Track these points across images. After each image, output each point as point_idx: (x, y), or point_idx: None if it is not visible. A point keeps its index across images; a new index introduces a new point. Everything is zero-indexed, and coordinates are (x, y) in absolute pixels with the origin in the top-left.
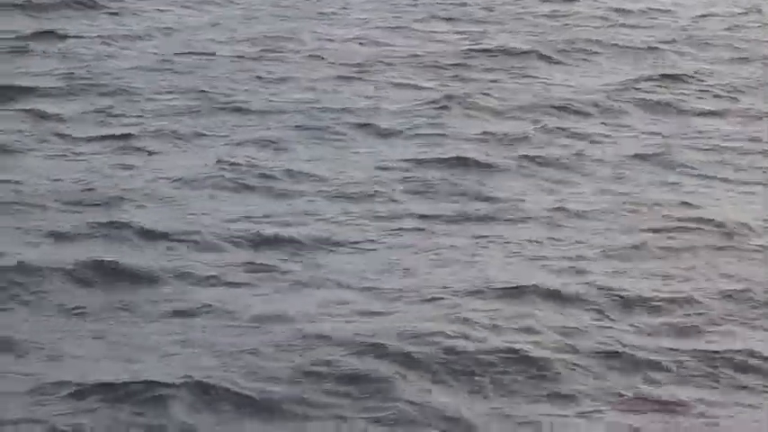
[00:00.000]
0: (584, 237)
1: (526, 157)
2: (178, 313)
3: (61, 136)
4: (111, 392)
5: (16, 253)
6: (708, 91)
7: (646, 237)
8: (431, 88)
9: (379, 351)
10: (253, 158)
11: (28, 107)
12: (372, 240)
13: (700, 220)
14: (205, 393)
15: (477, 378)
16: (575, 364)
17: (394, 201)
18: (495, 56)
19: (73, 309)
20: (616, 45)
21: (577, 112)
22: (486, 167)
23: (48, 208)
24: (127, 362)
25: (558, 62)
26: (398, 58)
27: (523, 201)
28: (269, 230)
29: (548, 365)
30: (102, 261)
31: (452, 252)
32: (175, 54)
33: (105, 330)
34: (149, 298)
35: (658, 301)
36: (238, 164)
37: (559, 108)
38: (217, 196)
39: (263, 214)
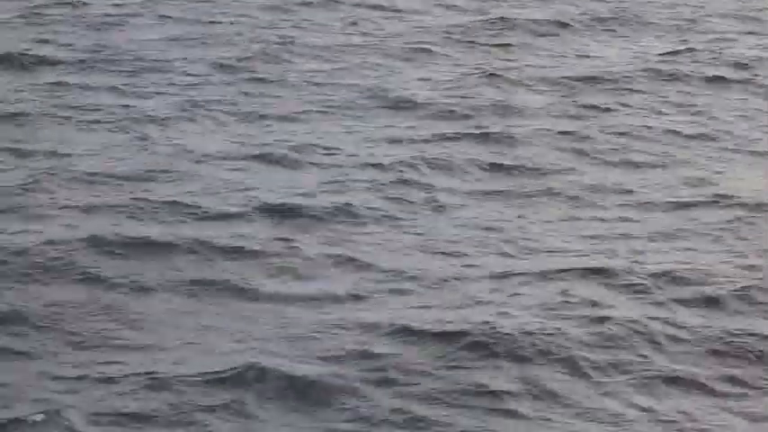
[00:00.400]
0: (617, 212)
1: (559, 131)
2: (198, 289)
3: (79, 107)
4: (159, 379)
5: (39, 229)
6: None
7: (682, 212)
8: (462, 62)
9: (412, 335)
10: (275, 131)
11: (45, 77)
12: (400, 217)
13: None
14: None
15: (519, 355)
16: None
17: (423, 175)
18: (526, 28)
19: (96, 281)
20: (643, 18)
21: (608, 85)
22: (518, 141)
23: (70, 181)
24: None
25: (586, 35)
26: (426, 31)
27: (555, 175)
28: (295, 203)
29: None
30: (129, 234)
31: (487, 229)
32: (198, 23)
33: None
34: (170, 271)
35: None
36: (260, 137)
37: (591, 81)
38: (243, 169)
39: (288, 187)
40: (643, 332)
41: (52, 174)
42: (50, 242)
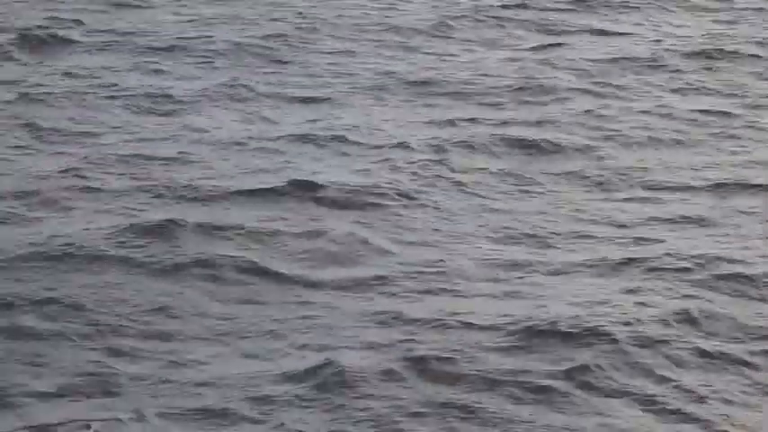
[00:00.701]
0: (649, 195)
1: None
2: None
3: (101, 88)
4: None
5: (73, 215)
6: None
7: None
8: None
9: (456, 324)
10: (301, 113)
11: (64, 58)
12: (430, 200)
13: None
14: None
15: (559, 342)
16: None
17: (453, 157)
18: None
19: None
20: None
21: (644, 70)
22: (552, 124)
23: (100, 164)
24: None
25: (621, 21)
26: (453, 10)
27: (584, 157)
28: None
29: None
30: (162, 218)
31: (517, 213)
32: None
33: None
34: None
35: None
36: (287, 118)
37: (633, 65)
38: (270, 150)
39: (318, 169)
40: (681, 315)
41: (83, 158)
42: (87, 228)
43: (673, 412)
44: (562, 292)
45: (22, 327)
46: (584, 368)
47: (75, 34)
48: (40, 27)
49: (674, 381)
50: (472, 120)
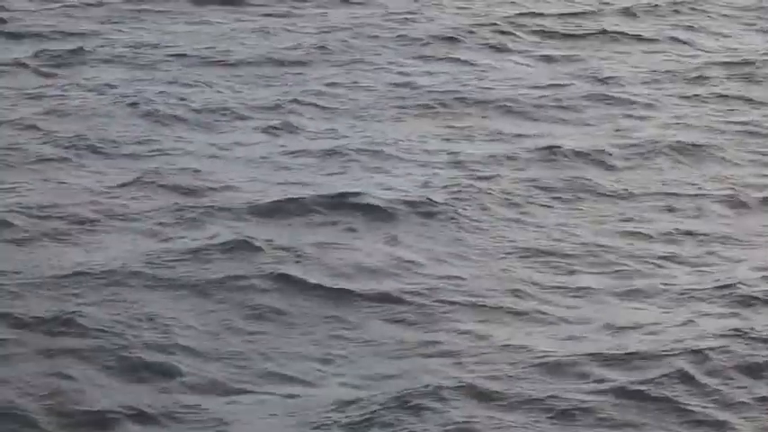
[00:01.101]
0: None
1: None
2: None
3: (143, 103)
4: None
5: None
6: None
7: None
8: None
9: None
10: (342, 127)
11: (85, 73)
12: (472, 217)
13: None
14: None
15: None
16: None
17: (496, 174)
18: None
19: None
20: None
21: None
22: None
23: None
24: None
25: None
26: (501, 25)
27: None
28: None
29: None
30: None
31: (566, 235)
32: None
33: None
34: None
35: None
36: (327, 133)
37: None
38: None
39: (350, 187)
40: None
41: (108, 174)
42: (116, 247)
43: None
44: (591, 312)
45: (57, 346)
46: (622, 389)
47: (96, 46)
48: (59, 39)
49: (716, 398)
50: (499, 132)
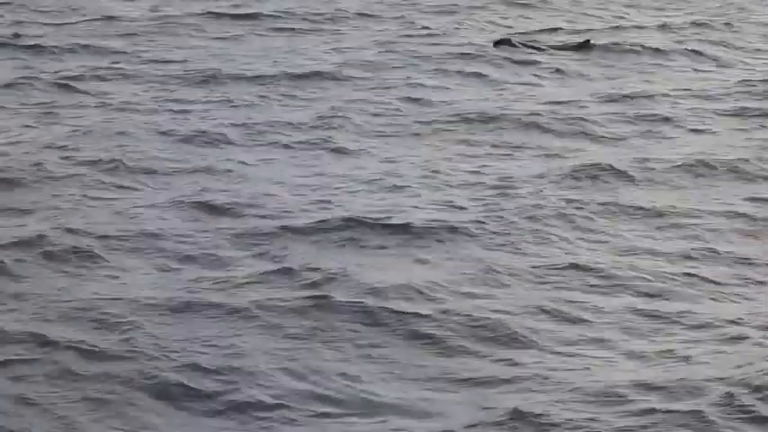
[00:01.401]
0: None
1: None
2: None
3: (169, 122)
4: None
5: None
6: None
7: None
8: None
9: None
10: (367, 150)
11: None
12: (500, 235)
13: None
14: None
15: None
16: None
17: (525, 193)
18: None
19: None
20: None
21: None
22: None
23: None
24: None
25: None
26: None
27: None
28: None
29: None
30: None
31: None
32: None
33: None
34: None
35: None
36: (353, 154)
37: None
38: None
39: (387, 209)
40: None
41: (174, 197)
42: (180, 274)
43: None
44: (624, 335)
45: (93, 371)
46: (665, 415)
47: (123, 63)
48: (81, 55)
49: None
50: (535, 151)
